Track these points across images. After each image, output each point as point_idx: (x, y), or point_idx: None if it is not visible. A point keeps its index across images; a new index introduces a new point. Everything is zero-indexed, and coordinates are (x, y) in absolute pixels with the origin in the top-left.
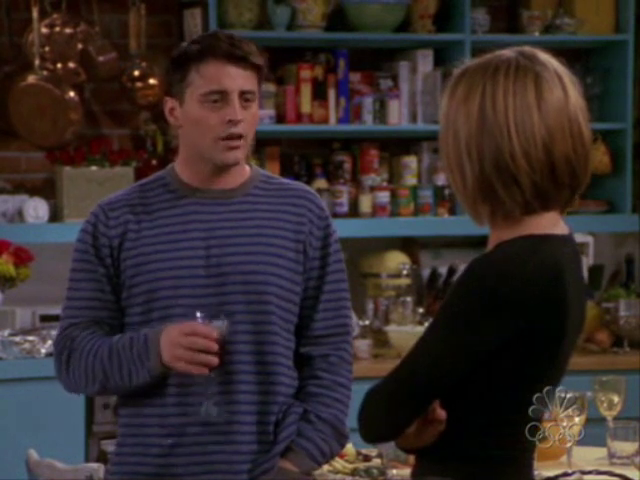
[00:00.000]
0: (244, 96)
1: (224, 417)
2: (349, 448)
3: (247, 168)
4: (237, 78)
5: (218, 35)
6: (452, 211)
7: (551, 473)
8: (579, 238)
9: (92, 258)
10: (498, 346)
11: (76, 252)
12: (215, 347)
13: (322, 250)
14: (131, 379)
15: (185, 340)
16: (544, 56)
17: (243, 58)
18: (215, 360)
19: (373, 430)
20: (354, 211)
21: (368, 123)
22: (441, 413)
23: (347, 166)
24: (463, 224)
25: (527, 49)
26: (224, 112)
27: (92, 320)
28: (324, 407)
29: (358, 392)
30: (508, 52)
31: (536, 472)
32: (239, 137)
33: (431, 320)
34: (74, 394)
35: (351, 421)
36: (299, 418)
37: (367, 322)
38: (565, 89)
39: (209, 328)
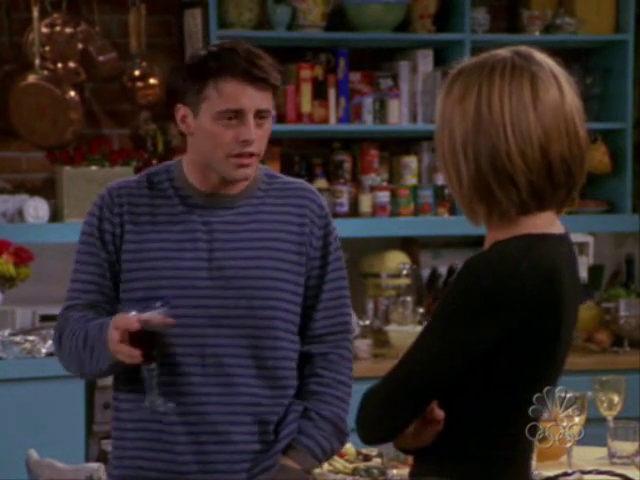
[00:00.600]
0: (259, 114)
1: (171, 409)
2: (349, 448)
3: None
4: (254, 98)
5: (237, 50)
6: (452, 211)
7: (551, 473)
8: (579, 238)
9: (96, 242)
10: (495, 345)
11: (82, 234)
12: (116, 336)
13: (322, 249)
14: (98, 363)
15: (114, 334)
16: (540, 56)
17: (262, 78)
18: (136, 352)
19: (371, 431)
20: (354, 211)
21: (368, 123)
22: (439, 413)
23: (347, 166)
24: (463, 224)
25: (523, 49)
26: (239, 131)
27: (89, 304)
28: (325, 405)
29: (358, 392)
30: (504, 52)
31: (536, 472)
32: (251, 155)
33: (428, 319)
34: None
35: (351, 421)
36: (300, 416)
37: (367, 322)
38: (561, 89)
39: (127, 320)
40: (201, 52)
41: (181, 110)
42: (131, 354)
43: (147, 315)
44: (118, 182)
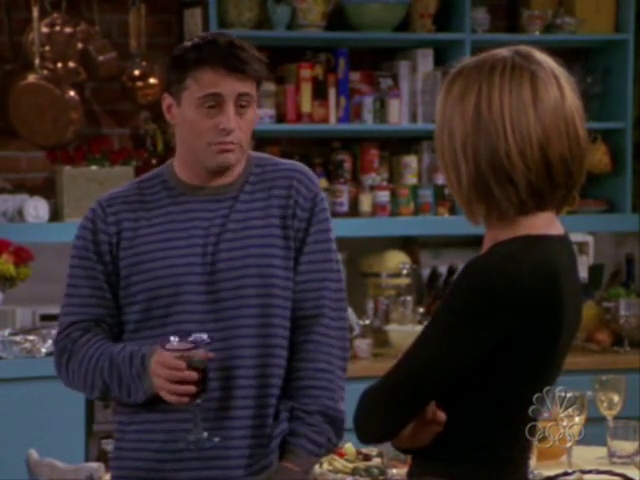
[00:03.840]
0: (240, 101)
1: (215, 443)
2: (349, 447)
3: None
4: (234, 84)
5: (218, 40)
6: (452, 210)
7: (551, 473)
8: (579, 237)
9: (91, 255)
10: (494, 347)
11: (75, 248)
12: (193, 376)
13: (304, 231)
14: (130, 395)
15: (161, 371)
16: (540, 55)
17: (240, 68)
18: (191, 389)
19: (369, 431)
20: (354, 210)
21: (368, 122)
22: (441, 415)
23: (347, 165)
24: (463, 224)
25: (523, 48)
26: (218, 120)
27: (91, 319)
28: (309, 399)
29: (358, 391)
30: (504, 51)
31: (536, 472)
32: (232, 142)
33: (427, 321)
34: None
35: (349, 421)
36: (288, 416)
37: (367, 321)
38: (561, 89)
39: (177, 361)
40: (186, 44)
41: (167, 99)
42: (188, 391)
43: (191, 353)
44: (109, 193)
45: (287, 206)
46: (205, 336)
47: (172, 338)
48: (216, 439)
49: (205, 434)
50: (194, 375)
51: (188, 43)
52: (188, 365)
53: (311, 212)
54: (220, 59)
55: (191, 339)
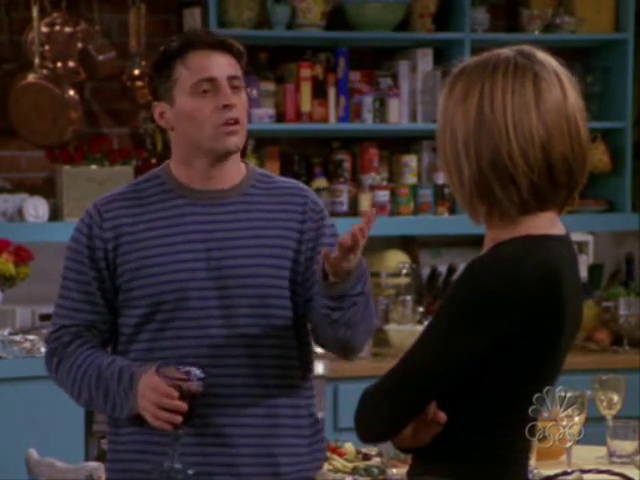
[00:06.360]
0: (232, 82)
1: (190, 477)
2: (349, 447)
3: (243, 167)
4: (222, 65)
5: (195, 30)
6: (452, 210)
7: (551, 472)
8: (579, 237)
9: (84, 260)
10: (495, 346)
11: (69, 251)
12: (184, 407)
13: (315, 241)
14: (114, 409)
15: (151, 395)
16: (543, 55)
17: (224, 44)
18: (178, 418)
19: (369, 430)
20: (354, 210)
21: (368, 122)
22: (442, 416)
23: (347, 165)
24: (463, 223)
25: (526, 48)
26: (217, 99)
27: (83, 324)
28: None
29: (358, 391)
30: (507, 51)
31: (535, 471)
32: (236, 122)
33: (429, 321)
34: None
35: (348, 421)
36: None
37: None
38: (563, 89)
39: (169, 389)
40: (161, 48)
41: (157, 107)
42: (173, 420)
43: (184, 383)
44: (104, 197)
45: (303, 221)
46: (199, 371)
47: (181, 368)
48: (190, 472)
49: (179, 465)
50: (184, 406)
51: (163, 47)
52: (180, 395)
53: (318, 231)
54: (204, 40)
55: (185, 370)
